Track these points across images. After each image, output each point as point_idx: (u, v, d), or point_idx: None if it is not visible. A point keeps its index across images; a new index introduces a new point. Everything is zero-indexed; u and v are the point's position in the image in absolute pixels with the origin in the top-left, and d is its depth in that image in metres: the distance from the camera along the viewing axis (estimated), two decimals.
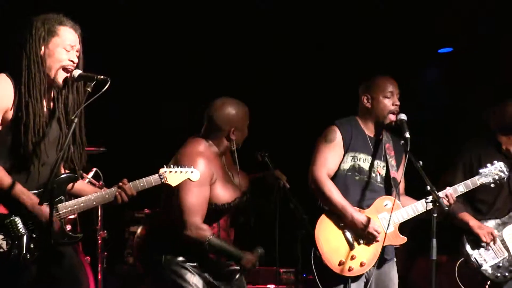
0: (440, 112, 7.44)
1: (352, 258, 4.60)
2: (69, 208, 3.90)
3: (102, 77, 3.79)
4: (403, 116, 4.67)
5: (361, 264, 4.60)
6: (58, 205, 3.86)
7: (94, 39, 6.22)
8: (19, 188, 3.77)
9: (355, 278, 4.62)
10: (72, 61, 3.87)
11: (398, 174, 4.81)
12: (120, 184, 3.98)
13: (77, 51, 3.89)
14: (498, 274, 5.13)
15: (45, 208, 3.76)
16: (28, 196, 3.79)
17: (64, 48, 3.86)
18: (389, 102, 4.74)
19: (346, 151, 4.71)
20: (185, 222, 4.28)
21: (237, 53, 7.35)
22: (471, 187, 4.84)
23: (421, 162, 4.49)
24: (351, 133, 4.75)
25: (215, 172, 4.37)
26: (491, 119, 5.43)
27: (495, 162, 4.92)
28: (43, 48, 3.83)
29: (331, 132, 4.75)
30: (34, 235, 3.81)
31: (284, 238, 4.62)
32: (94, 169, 5.73)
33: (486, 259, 5.16)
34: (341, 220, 4.62)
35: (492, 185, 4.89)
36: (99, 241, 6.08)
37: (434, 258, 4.28)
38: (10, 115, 3.80)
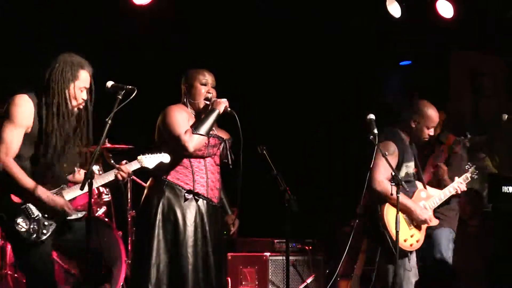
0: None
1: (411, 236, 5.34)
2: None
3: (130, 87, 4.25)
4: (372, 116, 5.10)
5: (417, 241, 5.39)
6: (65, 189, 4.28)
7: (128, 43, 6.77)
8: (37, 186, 4.15)
9: (411, 252, 5.39)
10: (83, 99, 4.32)
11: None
12: (118, 166, 4.43)
13: (86, 89, 4.33)
14: None
15: (56, 198, 4.20)
16: (43, 191, 4.17)
17: (80, 89, 4.30)
18: (428, 132, 5.47)
19: (401, 162, 5.31)
20: (179, 138, 4.73)
21: (242, 53, 7.59)
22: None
23: (386, 153, 5.05)
24: (403, 147, 5.35)
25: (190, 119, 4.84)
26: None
27: None
28: (69, 87, 4.27)
29: (390, 146, 5.27)
30: (46, 216, 4.19)
31: (276, 215, 5.21)
32: (124, 161, 5.68)
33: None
34: (401, 208, 5.14)
35: None
36: (129, 219, 6.55)
37: (398, 230, 4.97)
38: (30, 129, 4.20)
